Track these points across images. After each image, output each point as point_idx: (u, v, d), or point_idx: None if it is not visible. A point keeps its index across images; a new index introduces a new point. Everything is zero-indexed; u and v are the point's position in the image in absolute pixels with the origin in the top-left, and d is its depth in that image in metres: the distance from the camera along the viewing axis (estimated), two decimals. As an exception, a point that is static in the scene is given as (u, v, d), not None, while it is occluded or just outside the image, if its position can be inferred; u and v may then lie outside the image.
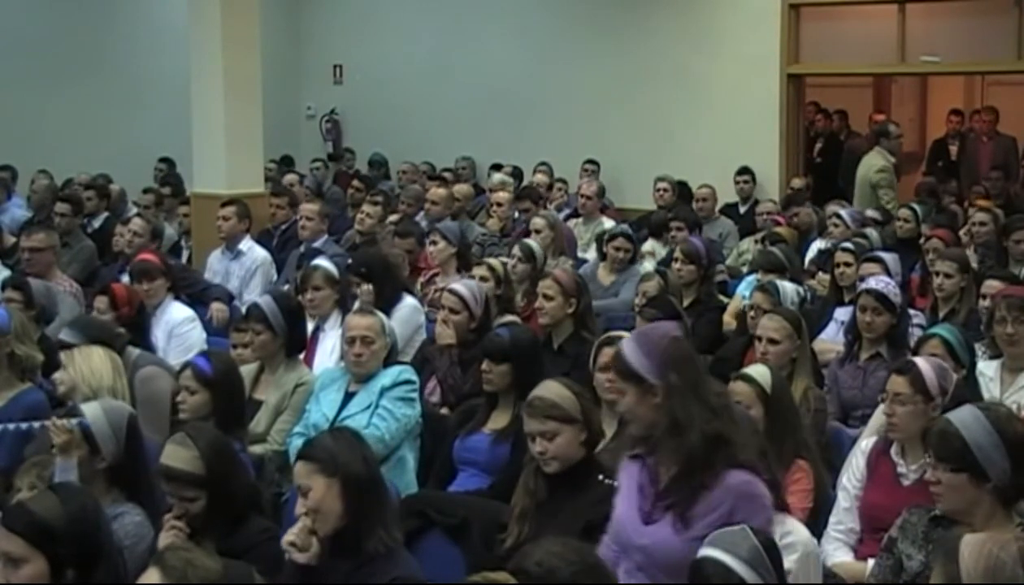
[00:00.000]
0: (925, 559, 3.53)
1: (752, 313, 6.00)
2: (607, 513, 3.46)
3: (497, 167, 12.09)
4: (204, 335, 6.55)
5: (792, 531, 3.56)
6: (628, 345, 3.29)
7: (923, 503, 3.67)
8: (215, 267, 8.28)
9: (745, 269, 8.46)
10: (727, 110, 11.37)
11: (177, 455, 3.69)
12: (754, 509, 3.19)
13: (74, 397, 4.55)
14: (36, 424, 4.50)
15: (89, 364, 4.68)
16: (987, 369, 5.34)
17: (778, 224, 9.03)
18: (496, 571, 2.80)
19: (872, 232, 8.05)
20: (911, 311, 6.39)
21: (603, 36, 12.04)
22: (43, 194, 10.55)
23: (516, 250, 7.36)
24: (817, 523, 4.18)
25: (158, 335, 6.29)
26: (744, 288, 7.42)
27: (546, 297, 6.07)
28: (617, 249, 7.89)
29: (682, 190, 10.78)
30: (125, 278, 6.77)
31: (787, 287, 6.27)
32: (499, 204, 9.64)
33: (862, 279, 6.31)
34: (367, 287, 6.40)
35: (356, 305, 6.19)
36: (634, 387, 3.25)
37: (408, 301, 6.64)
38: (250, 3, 9.37)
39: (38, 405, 4.87)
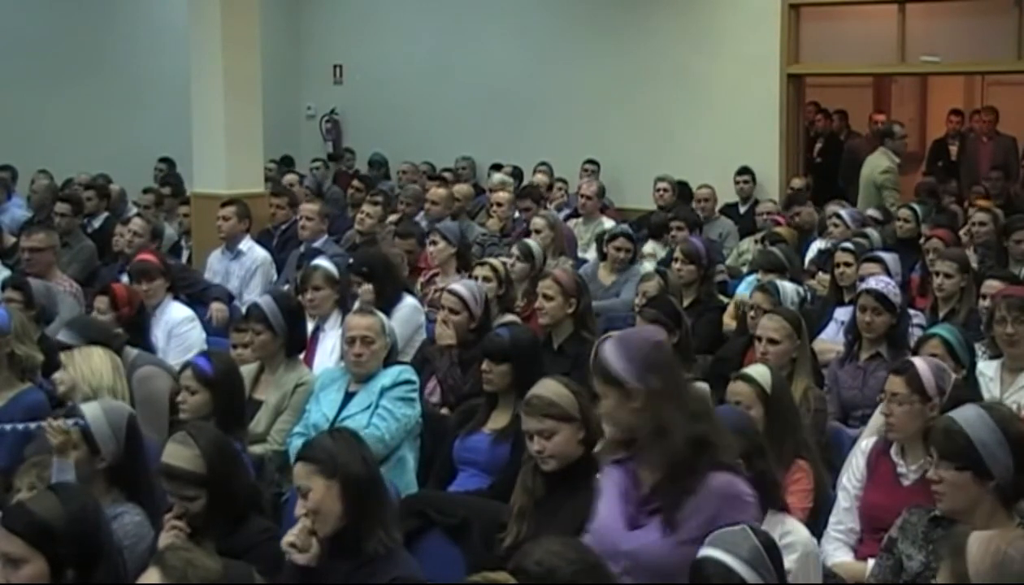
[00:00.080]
0: (925, 559, 3.53)
1: (752, 313, 6.00)
2: None
3: (497, 167, 12.09)
4: (204, 335, 6.55)
5: (792, 531, 3.56)
6: (609, 349, 3.28)
7: (923, 503, 3.67)
8: (215, 267, 8.28)
9: (745, 269, 8.45)
10: (727, 110, 11.37)
11: (178, 454, 3.69)
12: (739, 508, 3.19)
13: (74, 397, 4.55)
14: (33, 425, 4.49)
15: (89, 364, 4.68)
16: (987, 369, 5.34)
17: (778, 224, 9.03)
18: (496, 571, 2.80)
19: (872, 232, 8.05)
20: (911, 311, 6.39)
21: (603, 36, 12.04)
22: (43, 194, 10.55)
23: (515, 249, 7.36)
24: (817, 523, 4.18)
25: (158, 335, 6.29)
26: (744, 288, 7.42)
27: (546, 297, 6.07)
28: (618, 249, 7.89)
29: (682, 190, 10.78)
30: (125, 278, 6.77)
31: (787, 287, 6.27)
32: (499, 204, 9.64)
33: (862, 279, 6.31)
34: (368, 287, 6.40)
35: (356, 305, 6.19)
36: (614, 391, 3.24)
37: (408, 301, 6.64)
38: (250, 3, 9.37)
39: (38, 405, 4.87)
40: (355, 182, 11.42)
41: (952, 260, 6.65)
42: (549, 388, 3.96)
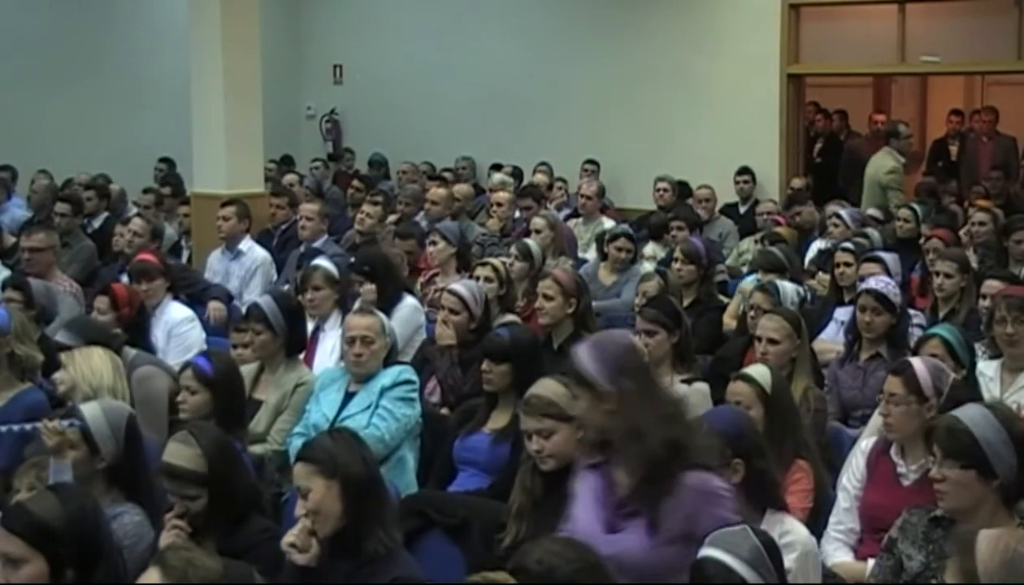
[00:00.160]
0: (925, 559, 3.53)
1: (752, 313, 6.00)
2: None
3: (497, 167, 12.09)
4: (203, 335, 6.55)
5: (791, 530, 3.56)
6: (582, 351, 3.31)
7: (923, 503, 3.67)
8: (215, 267, 8.28)
9: (745, 269, 8.45)
10: (727, 110, 11.37)
11: (180, 453, 3.70)
12: (716, 503, 3.22)
13: (74, 397, 4.55)
14: (28, 426, 4.50)
15: (89, 364, 4.69)
16: (987, 369, 5.34)
17: (778, 224, 9.03)
18: (496, 571, 2.80)
19: (873, 232, 8.04)
20: (911, 311, 6.38)
21: (603, 36, 12.04)
22: (43, 194, 10.55)
23: (513, 249, 7.37)
24: (817, 523, 4.18)
25: (157, 335, 6.29)
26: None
27: (546, 297, 6.07)
28: (619, 250, 7.89)
29: (682, 190, 10.78)
30: (125, 278, 6.77)
31: (787, 287, 6.27)
32: (499, 204, 9.64)
33: (862, 279, 6.31)
34: (370, 287, 6.40)
35: (356, 305, 6.19)
36: (587, 392, 3.27)
37: (408, 301, 6.64)
38: (250, 3, 9.37)
39: (38, 405, 4.87)
40: (355, 182, 11.42)
41: (952, 260, 6.65)
42: (548, 388, 3.96)
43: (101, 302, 5.82)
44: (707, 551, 2.95)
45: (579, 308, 6.07)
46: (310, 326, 6.04)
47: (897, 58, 11.09)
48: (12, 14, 12.52)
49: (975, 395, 4.62)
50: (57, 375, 4.80)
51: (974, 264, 7.23)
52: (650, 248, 8.95)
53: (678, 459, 3.21)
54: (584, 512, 3.33)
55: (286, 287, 7.39)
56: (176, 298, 6.66)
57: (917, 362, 4.27)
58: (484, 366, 4.91)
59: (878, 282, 5.78)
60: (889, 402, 4.17)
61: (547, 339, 5.96)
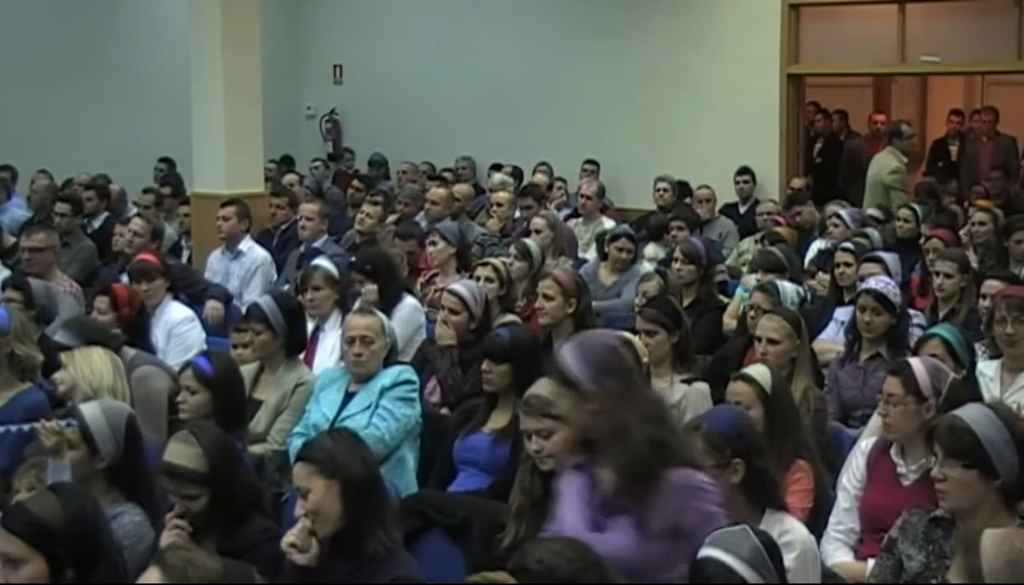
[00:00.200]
0: (925, 559, 3.53)
1: (752, 313, 6.00)
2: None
3: (497, 167, 12.09)
4: (203, 335, 6.55)
5: (790, 529, 3.57)
6: (567, 351, 3.33)
7: (923, 503, 3.67)
8: (215, 267, 8.29)
9: (745, 269, 8.45)
10: (727, 110, 11.37)
11: (181, 452, 3.70)
12: (701, 498, 3.25)
13: (74, 397, 4.55)
14: (26, 427, 4.50)
15: (89, 364, 4.69)
16: (987, 369, 5.34)
17: (778, 224, 9.03)
18: (496, 571, 2.80)
19: (872, 232, 8.04)
20: (911, 311, 6.38)
21: (603, 36, 12.04)
22: (43, 194, 10.55)
23: (512, 248, 7.37)
24: (817, 523, 4.18)
25: (157, 335, 6.29)
26: (743, 289, 7.42)
27: (546, 297, 6.07)
28: (620, 250, 7.89)
29: (682, 190, 10.78)
30: (125, 278, 6.77)
31: (787, 287, 6.27)
32: (499, 204, 9.64)
33: (862, 279, 6.31)
34: (371, 287, 6.41)
35: (356, 305, 6.19)
36: (570, 392, 3.29)
37: (408, 301, 6.64)
38: (250, 3, 9.37)
39: (38, 405, 4.86)
40: (355, 182, 11.42)
41: (952, 260, 6.65)
42: (547, 388, 3.96)
43: (101, 302, 5.82)
44: (707, 551, 2.95)
45: (579, 308, 6.07)
46: (310, 326, 6.05)
47: (897, 58, 11.09)
48: (12, 14, 12.52)
49: (975, 395, 4.62)
50: (57, 375, 4.80)
51: (974, 264, 7.23)
52: (651, 249, 8.93)
53: (661, 458, 3.24)
54: (569, 512, 3.34)
55: (286, 287, 7.39)
56: (176, 298, 6.66)
57: (916, 362, 4.27)
58: (484, 366, 4.91)
59: (878, 282, 5.78)
60: (888, 402, 4.17)
61: (547, 339, 5.96)
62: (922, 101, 15.21)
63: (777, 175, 11.28)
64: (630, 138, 11.87)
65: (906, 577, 3.59)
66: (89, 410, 3.99)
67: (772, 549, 2.98)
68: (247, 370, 5.31)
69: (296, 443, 4.96)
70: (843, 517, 4.24)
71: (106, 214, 10.07)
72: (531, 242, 7.50)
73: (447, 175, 11.70)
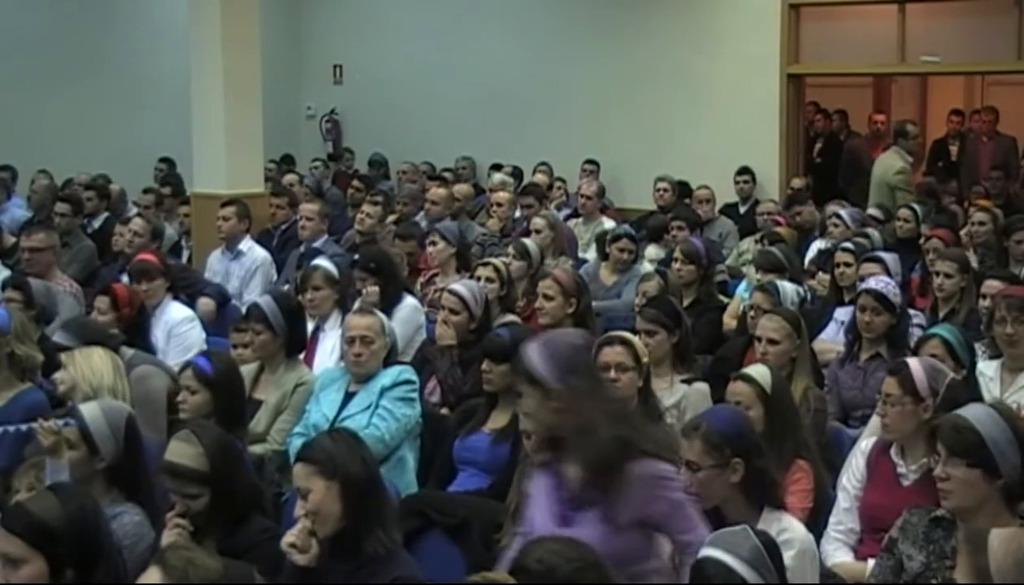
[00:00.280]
0: (926, 559, 3.53)
1: (752, 313, 6.00)
2: None
3: (497, 167, 12.09)
4: (203, 335, 6.56)
5: (788, 528, 3.57)
6: (532, 349, 3.37)
7: (923, 503, 3.67)
8: (215, 267, 8.29)
9: (745, 269, 8.45)
10: (727, 110, 11.36)
11: (182, 451, 3.70)
12: (665, 487, 3.32)
13: (74, 397, 4.55)
14: (24, 427, 4.50)
15: (89, 364, 4.69)
16: (987, 369, 5.34)
17: (778, 224, 9.03)
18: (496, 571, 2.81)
19: (873, 232, 8.04)
20: (911, 311, 6.38)
21: (603, 36, 12.04)
22: (43, 194, 10.55)
23: (511, 248, 7.37)
24: (817, 523, 4.18)
25: (157, 335, 6.29)
26: (743, 289, 7.42)
27: (546, 297, 6.07)
28: (621, 250, 7.88)
29: (682, 190, 10.77)
30: (125, 278, 6.77)
31: (787, 287, 6.27)
32: (499, 204, 9.64)
33: (862, 279, 6.31)
34: (373, 289, 6.42)
35: (356, 305, 6.20)
36: (536, 390, 3.33)
37: (408, 301, 6.65)
38: (250, 3, 9.37)
39: (38, 405, 4.86)
40: (355, 182, 11.41)
41: (952, 260, 6.65)
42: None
43: (102, 302, 5.83)
44: (707, 551, 2.96)
45: (579, 308, 6.07)
46: (310, 326, 6.05)
47: (897, 58, 11.09)
48: (12, 14, 12.52)
49: (975, 395, 4.62)
50: (57, 375, 4.80)
51: (974, 264, 7.23)
52: (652, 251, 8.92)
53: (625, 453, 3.29)
54: (538, 511, 3.40)
55: (286, 287, 7.39)
56: (176, 298, 6.66)
57: (914, 362, 4.26)
58: (484, 366, 4.91)
59: (878, 282, 5.78)
60: (886, 403, 4.18)
61: (547, 339, 5.95)
62: (922, 101, 15.21)
63: (777, 175, 11.28)
64: (630, 138, 11.87)
65: (906, 577, 3.58)
66: (89, 410, 3.99)
67: (772, 549, 2.99)
68: (247, 370, 5.32)
69: (296, 443, 4.96)
70: (843, 517, 4.24)
71: (106, 214, 10.07)
72: (529, 242, 7.51)
73: (447, 175, 11.70)
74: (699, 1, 11.68)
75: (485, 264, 6.80)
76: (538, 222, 8.26)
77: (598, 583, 2.80)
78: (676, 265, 7.13)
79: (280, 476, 4.98)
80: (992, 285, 6.32)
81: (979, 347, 5.48)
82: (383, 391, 5.08)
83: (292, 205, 9.32)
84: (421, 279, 7.79)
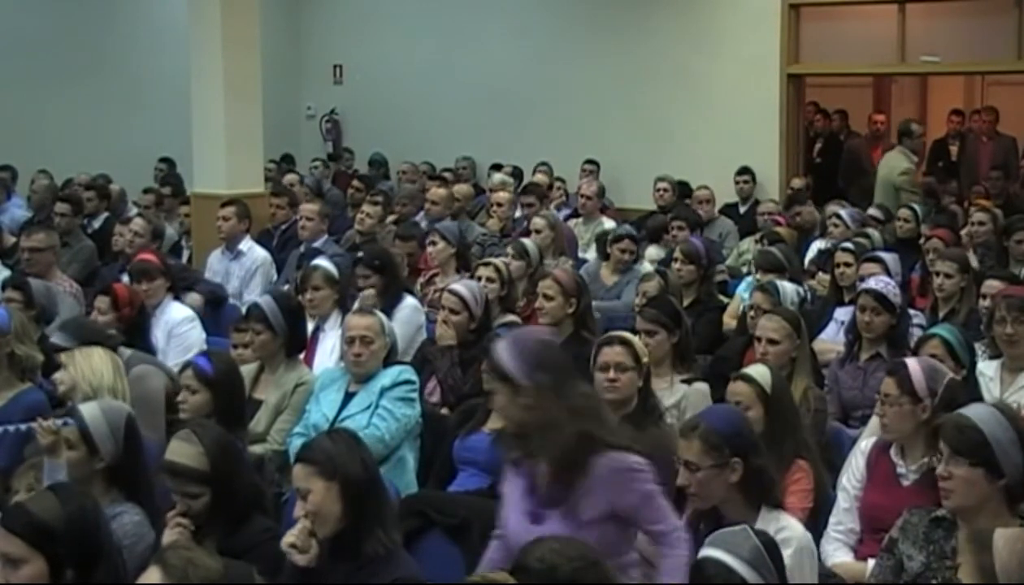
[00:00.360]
0: (926, 560, 3.53)
1: (752, 313, 6.00)
2: None
3: (497, 167, 12.09)
4: (203, 335, 6.55)
5: (786, 526, 3.57)
6: (502, 347, 3.43)
7: (923, 503, 3.67)
8: (215, 267, 8.29)
9: (745, 269, 8.45)
10: (727, 110, 11.36)
11: (182, 451, 3.70)
12: (632, 478, 3.38)
13: (74, 397, 4.55)
14: (23, 426, 4.50)
15: (89, 364, 4.69)
16: (987, 369, 5.34)
17: (778, 224, 9.03)
18: (496, 570, 2.81)
19: (873, 232, 8.05)
20: (911, 311, 6.39)
21: (603, 36, 12.04)
22: (43, 194, 10.56)
23: (510, 248, 7.37)
24: (817, 523, 4.18)
25: (157, 335, 6.30)
26: (743, 289, 7.42)
27: (546, 297, 6.07)
28: (623, 251, 7.88)
29: (682, 190, 10.77)
30: (125, 278, 6.77)
31: (787, 287, 6.27)
32: (499, 204, 9.64)
33: (862, 279, 6.31)
34: (371, 292, 6.42)
35: (356, 305, 6.20)
36: (505, 386, 3.39)
37: (409, 301, 6.65)
38: (250, 3, 9.37)
39: (38, 405, 4.86)
40: (355, 182, 11.42)
41: (952, 260, 6.65)
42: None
43: (102, 302, 5.83)
44: (708, 551, 2.95)
45: (579, 308, 6.07)
46: (310, 326, 6.05)
47: (897, 58, 11.09)
48: (12, 14, 12.53)
49: (975, 395, 4.62)
50: (57, 375, 4.80)
51: (974, 264, 7.23)
52: (652, 251, 8.91)
53: (588, 448, 3.34)
54: (512, 512, 3.45)
55: (286, 287, 7.39)
56: (176, 298, 6.66)
57: (912, 362, 4.26)
58: (484, 366, 4.90)
59: (878, 282, 5.78)
60: (884, 403, 4.18)
61: (547, 339, 5.95)
62: (922, 101, 15.21)
63: (777, 175, 11.28)
64: (630, 138, 11.87)
65: (906, 577, 3.58)
66: (88, 410, 3.99)
67: (772, 549, 2.99)
68: (247, 370, 5.32)
69: (296, 443, 4.96)
70: (843, 517, 4.24)
71: (106, 214, 10.07)
72: (528, 242, 7.51)
73: (447, 175, 11.70)
74: (699, 1, 11.67)
75: (485, 264, 6.80)
76: (538, 222, 8.26)
77: (598, 582, 2.80)
78: (676, 265, 7.13)
79: (280, 476, 4.97)
80: (992, 285, 6.32)
81: (979, 347, 5.48)
82: (383, 391, 5.08)
83: (292, 205, 9.32)
84: (421, 279, 7.79)
